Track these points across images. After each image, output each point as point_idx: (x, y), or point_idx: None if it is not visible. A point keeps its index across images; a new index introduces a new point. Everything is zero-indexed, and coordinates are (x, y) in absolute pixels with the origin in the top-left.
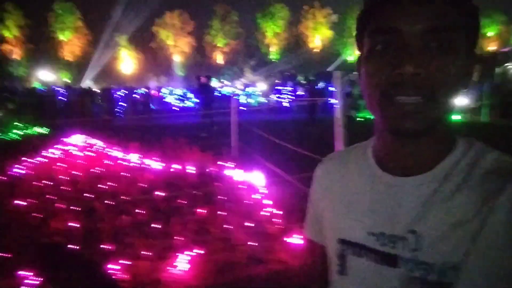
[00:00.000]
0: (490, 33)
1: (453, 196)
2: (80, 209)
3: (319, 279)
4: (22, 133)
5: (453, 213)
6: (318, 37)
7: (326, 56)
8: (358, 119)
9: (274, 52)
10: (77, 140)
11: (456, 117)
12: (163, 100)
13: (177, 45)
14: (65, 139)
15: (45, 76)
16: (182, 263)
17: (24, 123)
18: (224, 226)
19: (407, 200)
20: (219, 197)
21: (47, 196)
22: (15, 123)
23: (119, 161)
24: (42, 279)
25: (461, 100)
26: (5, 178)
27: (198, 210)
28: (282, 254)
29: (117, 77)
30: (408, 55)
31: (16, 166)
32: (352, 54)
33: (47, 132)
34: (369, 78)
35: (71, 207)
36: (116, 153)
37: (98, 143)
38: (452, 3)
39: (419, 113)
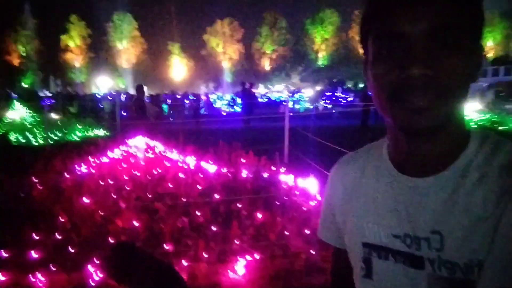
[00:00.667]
0: None
1: (472, 193)
2: (142, 209)
3: (344, 284)
4: (82, 134)
5: (473, 210)
6: None
7: None
8: None
9: (322, 58)
10: (138, 142)
11: None
12: (213, 105)
13: (226, 52)
14: (127, 141)
15: (103, 82)
16: (240, 267)
17: (85, 126)
18: (282, 232)
19: (427, 201)
20: (276, 202)
21: (111, 195)
22: (77, 126)
23: (177, 164)
24: (109, 274)
25: None
26: (73, 177)
27: (256, 214)
28: None
29: (169, 83)
30: (414, 57)
31: (82, 165)
32: None
33: (107, 135)
34: (377, 81)
35: (134, 207)
36: (174, 155)
37: (158, 145)
38: (453, 0)
39: (430, 110)
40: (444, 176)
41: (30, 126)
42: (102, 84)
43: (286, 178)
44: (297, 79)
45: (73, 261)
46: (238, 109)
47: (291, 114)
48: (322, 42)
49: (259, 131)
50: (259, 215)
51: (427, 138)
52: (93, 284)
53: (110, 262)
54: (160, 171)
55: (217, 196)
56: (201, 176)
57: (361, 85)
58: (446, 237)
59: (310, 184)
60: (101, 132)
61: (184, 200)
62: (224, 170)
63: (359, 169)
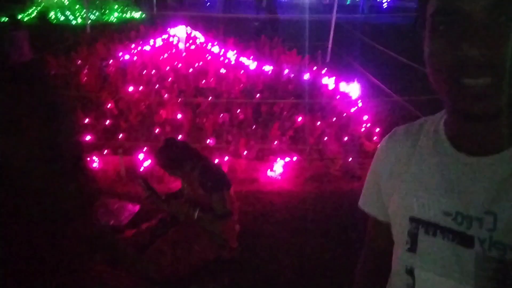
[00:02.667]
0: None
1: None
2: (184, 102)
3: (379, 255)
4: (119, 16)
5: None
6: None
7: None
8: None
9: None
10: (179, 31)
11: None
12: None
13: None
14: (168, 29)
15: None
16: (278, 167)
17: (123, 7)
18: (321, 136)
19: (482, 181)
20: (314, 104)
21: (154, 85)
22: (114, 6)
23: (218, 57)
24: (161, 164)
25: None
26: (116, 63)
27: (296, 117)
28: None
29: None
30: (472, 36)
31: (125, 52)
32: None
33: (143, 17)
34: (433, 58)
35: (177, 99)
36: (215, 48)
37: (199, 36)
38: None
39: (489, 96)
40: (502, 157)
41: (68, 3)
42: None
43: (329, 81)
44: None
45: (123, 146)
46: None
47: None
48: None
49: (300, 23)
50: (299, 118)
51: (484, 122)
52: (142, 168)
53: (163, 153)
54: (201, 64)
55: (258, 96)
56: (242, 72)
57: None
58: (500, 218)
59: (352, 88)
60: (137, 14)
61: (226, 96)
62: (266, 68)
63: (413, 142)
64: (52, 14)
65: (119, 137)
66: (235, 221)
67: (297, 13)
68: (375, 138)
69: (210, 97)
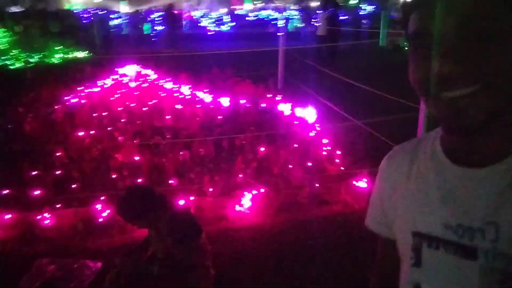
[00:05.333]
0: None
1: None
2: (141, 143)
3: (390, 273)
4: (62, 57)
5: None
6: None
7: None
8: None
9: None
10: (129, 70)
11: None
12: (198, 24)
13: None
14: (118, 69)
15: None
16: (246, 200)
17: (66, 47)
18: (285, 165)
19: (481, 192)
20: (276, 135)
21: (107, 128)
22: (57, 47)
23: (171, 93)
24: (123, 215)
25: None
26: (63, 109)
27: (259, 148)
28: (345, 196)
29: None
30: (444, 53)
31: (72, 95)
32: None
33: (88, 56)
34: (413, 76)
35: (133, 141)
36: (169, 84)
37: (150, 73)
38: None
39: (473, 107)
40: (499, 167)
41: (4, 47)
42: None
43: (284, 108)
44: None
45: (77, 198)
46: (226, 28)
47: (282, 33)
48: None
49: (248, 54)
50: (262, 149)
51: (476, 133)
52: (100, 220)
53: (125, 204)
54: (155, 101)
55: (217, 130)
56: (199, 107)
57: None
58: (502, 228)
59: (308, 113)
60: (81, 55)
61: (185, 134)
62: (223, 100)
63: (410, 158)
64: None
65: (72, 187)
66: (209, 267)
67: (244, 43)
68: (337, 161)
69: (168, 136)
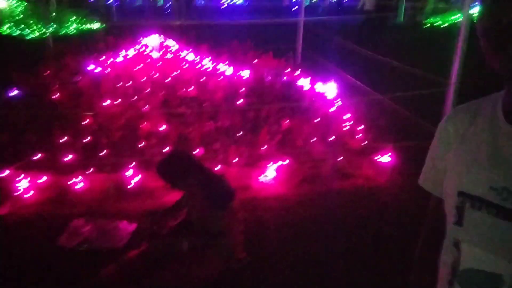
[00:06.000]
0: None
1: None
2: (167, 113)
3: (438, 231)
4: (77, 27)
5: None
6: None
7: None
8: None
9: None
10: (152, 40)
11: None
12: None
13: None
14: (140, 39)
15: None
16: (269, 172)
17: (80, 17)
18: (307, 138)
19: None
20: (297, 107)
21: (132, 97)
22: (71, 17)
23: (194, 65)
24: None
25: None
26: (88, 78)
27: (282, 121)
28: (367, 170)
29: None
30: (508, 4)
31: (95, 65)
32: None
33: (102, 27)
34: (480, 25)
35: (159, 111)
36: (190, 55)
37: (172, 44)
38: None
39: None
40: None
41: (19, 17)
42: None
43: (305, 82)
44: None
45: (108, 164)
46: (240, 1)
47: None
48: None
49: (266, 27)
50: (286, 122)
51: None
52: (131, 185)
53: (166, 166)
54: (178, 72)
55: (241, 101)
56: (221, 79)
57: None
58: None
59: (329, 88)
60: (96, 25)
61: (210, 104)
62: (244, 73)
63: (469, 118)
64: (6, 28)
65: (102, 154)
66: (241, 232)
67: (259, 16)
68: (359, 135)
69: (193, 106)
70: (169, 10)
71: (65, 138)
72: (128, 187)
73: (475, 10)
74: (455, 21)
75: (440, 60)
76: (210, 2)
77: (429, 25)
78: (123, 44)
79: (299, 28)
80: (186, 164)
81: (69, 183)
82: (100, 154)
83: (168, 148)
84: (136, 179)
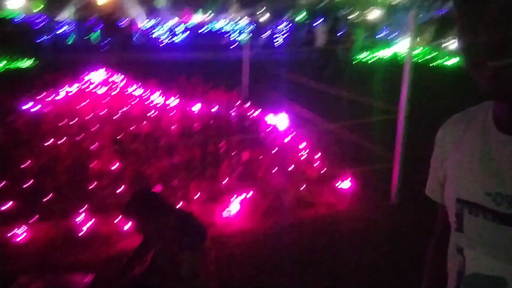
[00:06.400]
0: None
1: None
2: (119, 151)
3: (443, 236)
4: (3, 66)
5: None
6: None
7: None
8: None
9: None
10: (97, 75)
11: (453, 61)
12: (150, 35)
13: None
14: (85, 75)
15: (13, 4)
16: (233, 206)
17: (8, 56)
18: (267, 169)
19: None
20: (254, 139)
21: (79, 136)
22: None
23: (143, 101)
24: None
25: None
26: (27, 117)
27: (242, 153)
28: (329, 198)
29: (92, 8)
30: (485, 21)
31: (34, 103)
32: None
33: (33, 65)
34: (460, 42)
35: (108, 149)
36: (138, 91)
37: (119, 80)
38: None
39: (507, 76)
40: None
41: None
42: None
43: (257, 114)
44: (235, 8)
45: (55, 210)
46: (179, 39)
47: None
48: None
49: (209, 64)
50: (245, 154)
51: None
52: (82, 232)
53: (134, 207)
54: (128, 108)
55: (197, 137)
56: (173, 113)
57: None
58: None
59: (281, 119)
60: (27, 63)
61: (166, 140)
62: (196, 107)
63: (463, 127)
64: None
65: (47, 199)
66: (213, 272)
67: (199, 54)
68: (317, 163)
69: (148, 143)
70: (107, 47)
71: (3, 183)
72: (80, 234)
73: (399, 47)
74: (383, 57)
75: (383, 91)
76: (148, 39)
77: (357, 60)
78: (64, 81)
79: (245, 63)
80: (155, 203)
81: (9, 235)
82: (44, 200)
83: (122, 187)
84: (89, 224)
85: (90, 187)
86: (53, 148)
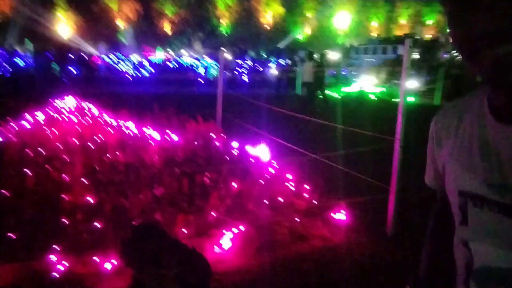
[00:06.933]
0: (429, 21)
1: None
2: (97, 182)
3: (442, 228)
4: None
5: None
6: (269, 13)
7: (277, 33)
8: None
9: (224, 26)
10: (65, 103)
11: (410, 99)
12: (116, 68)
13: (122, 11)
14: (55, 102)
15: None
16: (224, 241)
17: None
18: (256, 202)
19: None
20: (239, 171)
21: (50, 167)
22: None
23: (119, 130)
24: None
25: (412, 83)
26: None
27: (231, 185)
28: (323, 230)
29: (52, 40)
30: (480, 10)
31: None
32: (301, 33)
33: None
34: (454, 33)
35: (82, 180)
36: (112, 120)
37: (92, 108)
38: None
39: (507, 63)
40: None
41: None
42: None
43: (235, 145)
44: (198, 45)
45: (20, 249)
46: (145, 72)
47: (202, 82)
48: (224, 8)
49: (178, 96)
50: (233, 186)
51: None
52: (56, 274)
53: (135, 247)
54: (102, 138)
55: (179, 168)
56: (151, 143)
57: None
58: None
59: (261, 150)
60: None
61: (148, 171)
62: (173, 137)
63: (457, 116)
64: None
65: (13, 237)
66: None
67: (163, 87)
68: (306, 195)
69: (130, 173)
70: (66, 80)
71: None
72: (52, 276)
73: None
74: (350, 92)
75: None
76: (112, 73)
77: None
78: (29, 108)
79: (218, 96)
80: (160, 240)
81: None
82: (9, 238)
83: (99, 223)
84: (62, 265)
85: (63, 223)
86: (19, 179)
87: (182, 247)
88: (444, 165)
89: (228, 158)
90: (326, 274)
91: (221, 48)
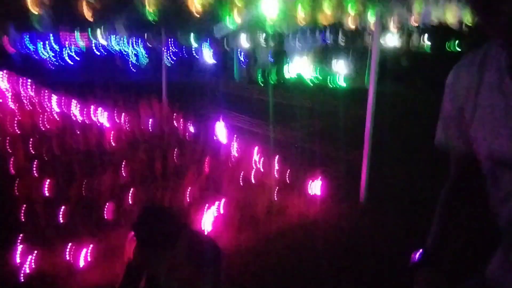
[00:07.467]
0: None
1: None
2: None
3: (456, 184)
4: None
5: None
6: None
7: (206, 20)
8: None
9: (152, 13)
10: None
11: (342, 84)
12: (37, 55)
13: None
14: None
15: None
16: (205, 224)
17: None
18: (229, 181)
19: None
20: (205, 150)
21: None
22: None
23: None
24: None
25: (343, 68)
26: None
27: (203, 166)
28: (300, 205)
29: None
30: None
31: None
32: (232, 22)
33: None
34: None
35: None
36: (52, 102)
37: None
38: None
39: None
40: None
41: None
42: None
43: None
44: (123, 32)
45: None
46: (70, 61)
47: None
48: None
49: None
50: (203, 166)
51: None
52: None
53: (148, 227)
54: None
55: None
56: (105, 127)
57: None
58: None
59: (221, 128)
60: None
61: (115, 156)
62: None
63: (478, 70)
64: None
65: None
66: None
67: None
68: (277, 170)
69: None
70: None
71: None
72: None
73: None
74: (290, 78)
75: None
76: (31, 60)
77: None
78: None
79: (164, 81)
80: (167, 221)
81: None
82: None
83: (62, 212)
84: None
85: (21, 216)
86: None
87: (191, 229)
88: (469, 124)
89: (190, 138)
90: (304, 247)
91: (159, 33)
